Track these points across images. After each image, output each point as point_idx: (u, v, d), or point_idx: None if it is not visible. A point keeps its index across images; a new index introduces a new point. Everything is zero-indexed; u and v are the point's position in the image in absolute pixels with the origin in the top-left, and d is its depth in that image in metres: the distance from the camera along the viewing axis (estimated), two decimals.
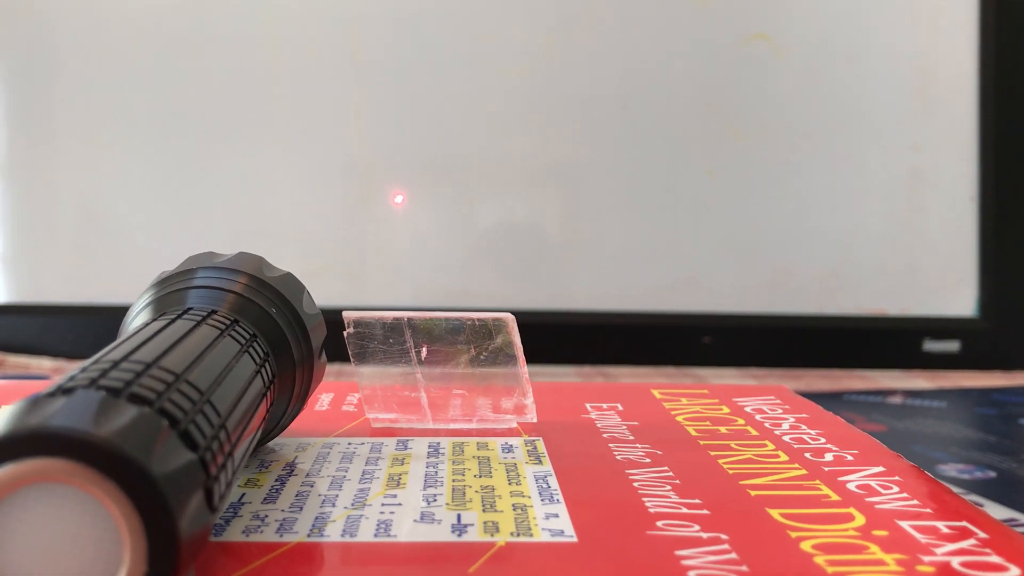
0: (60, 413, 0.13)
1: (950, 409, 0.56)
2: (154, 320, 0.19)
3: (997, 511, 0.37)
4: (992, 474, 0.42)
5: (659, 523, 0.18)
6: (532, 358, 0.26)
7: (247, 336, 0.20)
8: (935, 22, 0.71)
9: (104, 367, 0.15)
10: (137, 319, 0.21)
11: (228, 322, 0.20)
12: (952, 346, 0.70)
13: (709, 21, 0.71)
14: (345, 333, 0.25)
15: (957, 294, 0.71)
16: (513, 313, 0.25)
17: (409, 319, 0.25)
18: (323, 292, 0.25)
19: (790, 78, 0.71)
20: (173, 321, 0.19)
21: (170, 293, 0.21)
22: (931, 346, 0.70)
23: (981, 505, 0.38)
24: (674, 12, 0.71)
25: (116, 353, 0.16)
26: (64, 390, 0.14)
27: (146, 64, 0.70)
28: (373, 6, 0.71)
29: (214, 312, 0.20)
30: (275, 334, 0.21)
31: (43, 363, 0.67)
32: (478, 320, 0.25)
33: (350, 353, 0.25)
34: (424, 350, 0.25)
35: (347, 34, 0.71)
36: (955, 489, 0.38)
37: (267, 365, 0.20)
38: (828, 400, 0.57)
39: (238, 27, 0.70)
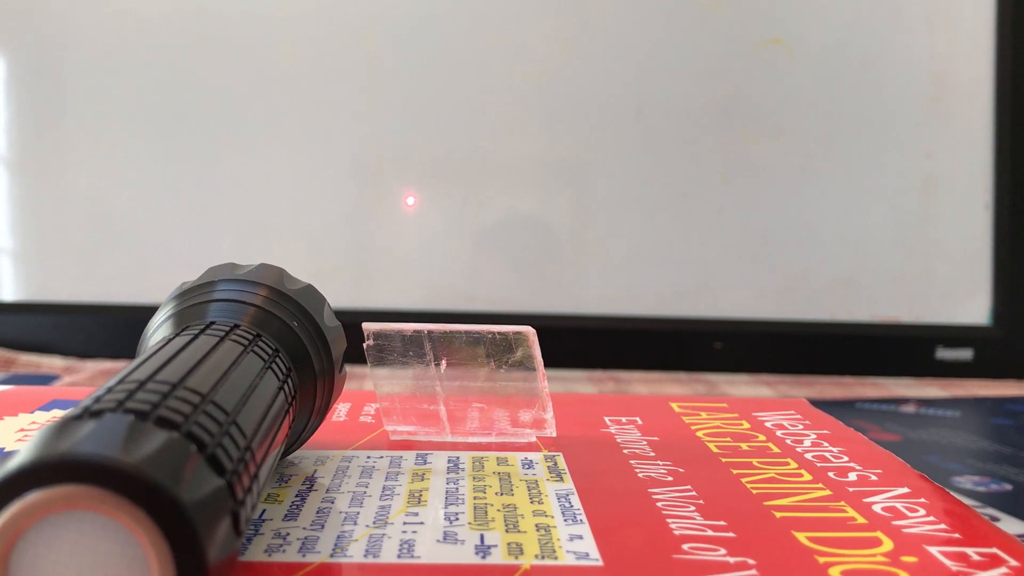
0: (88, 439, 0.13)
1: (964, 419, 0.56)
2: (176, 335, 0.19)
3: (1013, 525, 0.37)
4: (1008, 487, 0.42)
5: (685, 546, 0.18)
6: (543, 362, 0.25)
7: (270, 351, 0.20)
8: (951, 28, 0.71)
9: (130, 388, 0.15)
10: (158, 333, 0.20)
11: (251, 337, 0.20)
12: (965, 354, 0.70)
13: (724, 26, 0.70)
14: (365, 345, 0.25)
15: (970, 302, 0.71)
16: (524, 317, 0.25)
17: (429, 331, 0.25)
18: (332, 293, 0.25)
19: (805, 83, 0.70)
20: (196, 337, 0.18)
21: (191, 306, 0.21)
22: (944, 354, 0.70)
23: (997, 519, 0.37)
24: (689, 16, 0.70)
25: (141, 372, 0.16)
26: (92, 413, 0.14)
27: (156, 63, 0.70)
28: (386, 7, 0.71)
29: (237, 327, 0.20)
30: (297, 348, 0.21)
31: (54, 362, 0.67)
32: (499, 333, 0.25)
33: (369, 364, 0.25)
34: (444, 362, 0.25)
35: (359, 35, 0.70)
36: (971, 502, 0.38)
37: (289, 380, 0.20)
38: (841, 408, 0.57)
39: (249, 26, 0.70)
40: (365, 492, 0.21)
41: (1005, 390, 0.66)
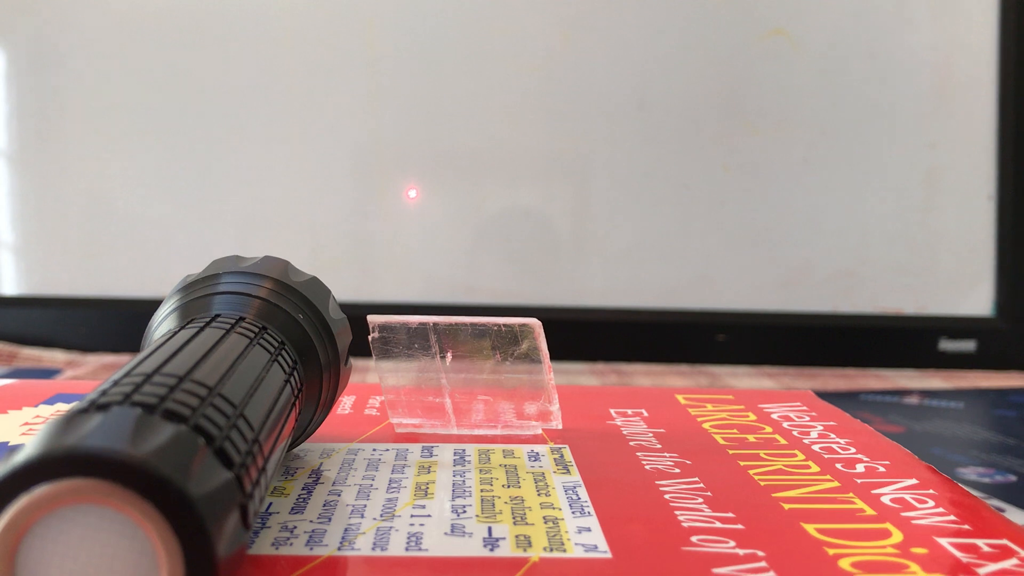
0: (96, 432, 0.13)
1: (967, 410, 0.56)
2: (182, 328, 0.19)
3: (1019, 516, 0.37)
4: (1012, 478, 0.42)
5: (693, 538, 0.18)
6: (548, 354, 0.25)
7: (276, 344, 0.20)
8: (954, 19, 0.71)
9: (137, 381, 0.15)
10: (163, 326, 0.20)
11: (257, 329, 0.20)
12: (968, 345, 0.70)
13: (726, 16, 0.70)
14: (370, 337, 0.25)
15: (974, 293, 0.71)
16: (525, 309, 0.25)
17: (434, 324, 0.25)
18: (333, 286, 0.25)
19: (807, 74, 0.70)
20: (202, 330, 0.18)
21: (196, 299, 0.21)
22: (947, 345, 0.70)
23: (1003, 510, 0.37)
24: (691, 6, 0.70)
25: (148, 365, 0.16)
26: (98, 406, 0.14)
27: (157, 56, 0.70)
28: (387, 0, 0.71)
29: (242, 319, 0.20)
30: (303, 341, 0.21)
31: (56, 355, 0.66)
32: (504, 325, 0.25)
33: (374, 357, 0.25)
34: (449, 355, 0.25)
35: (360, 28, 0.70)
36: (976, 493, 0.38)
37: (295, 373, 0.20)
38: (844, 400, 0.57)
39: (250, 19, 0.70)
40: (372, 485, 0.21)
41: (1008, 381, 0.66)
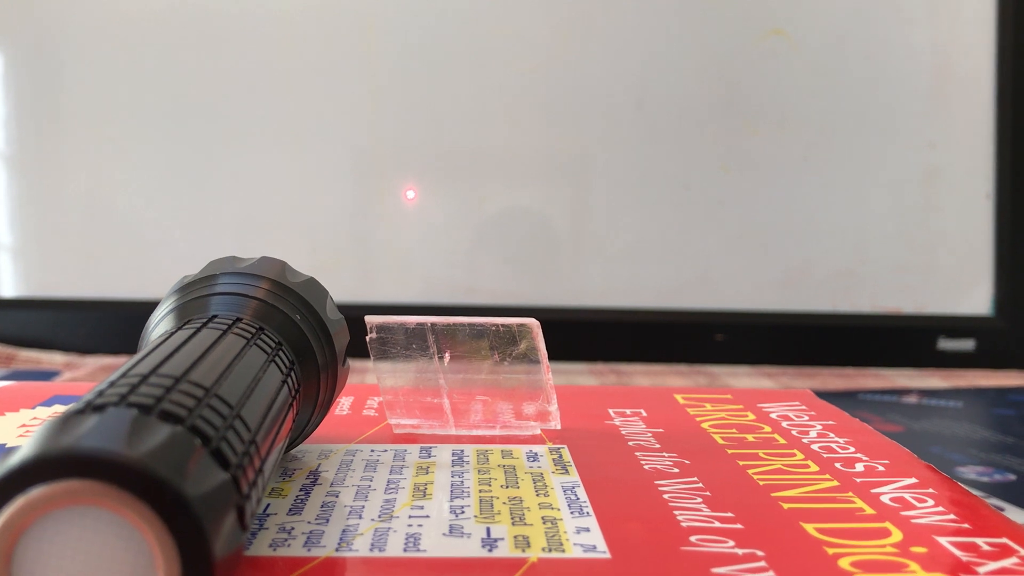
0: (92, 433, 0.13)
1: (966, 409, 0.56)
2: (179, 329, 0.19)
3: (1018, 515, 0.37)
4: (1012, 477, 0.42)
5: (692, 538, 0.18)
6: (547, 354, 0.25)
7: (273, 345, 0.20)
8: (953, 18, 0.71)
9: (133, 382, 0.15)
10: (160, 327, 0.20)
11: (254, 330, 0.20)
12: (967, 345, 0.70)
13: (725, 16, 0.70)
14: (367, 338, 0.25)
15: (972, 292, 0.71)
16: (525, 310, 0.25)
17: (432, 324, 0.25)
18: (332, 287, 0.25)
19: (806, 74, 0.70)
20: (199, 330, 0.18)
21: (193, 300, 0.21)
22: (946, 344, 0.70)
23: (1002, 509, 0.37)
24: (690, 7, 0.70)
25: (144, 366, 0.16)
26: (95, 407, 0.14)
27: (156, 58, 0.70)
28: (386, 1, 0.70)
29: (239, 320, 0.20)
30: (300, 341, 0.21)
31: (54, 357, 0.66)
32: (502, 325, 0.25)
33: (372, 358, 0.25)
34: (447, 355, 0.25)
35: (359, 29, 0.70)
36: (975, 492, 0.38)
37: (293, 374, 0.20)
38: (843, 399, 0.57)
39: (249, 21, 0.70)
40: (370, 486, 0.21)
41: (1007, 380, 0.66)
